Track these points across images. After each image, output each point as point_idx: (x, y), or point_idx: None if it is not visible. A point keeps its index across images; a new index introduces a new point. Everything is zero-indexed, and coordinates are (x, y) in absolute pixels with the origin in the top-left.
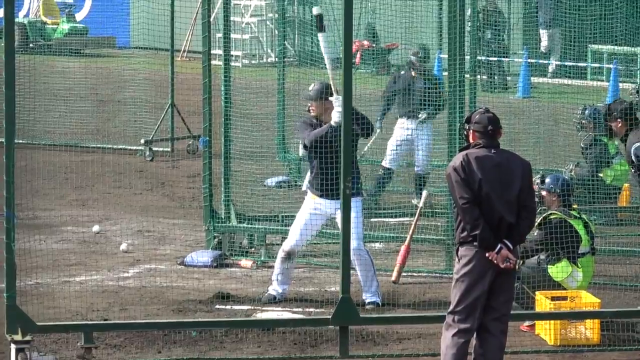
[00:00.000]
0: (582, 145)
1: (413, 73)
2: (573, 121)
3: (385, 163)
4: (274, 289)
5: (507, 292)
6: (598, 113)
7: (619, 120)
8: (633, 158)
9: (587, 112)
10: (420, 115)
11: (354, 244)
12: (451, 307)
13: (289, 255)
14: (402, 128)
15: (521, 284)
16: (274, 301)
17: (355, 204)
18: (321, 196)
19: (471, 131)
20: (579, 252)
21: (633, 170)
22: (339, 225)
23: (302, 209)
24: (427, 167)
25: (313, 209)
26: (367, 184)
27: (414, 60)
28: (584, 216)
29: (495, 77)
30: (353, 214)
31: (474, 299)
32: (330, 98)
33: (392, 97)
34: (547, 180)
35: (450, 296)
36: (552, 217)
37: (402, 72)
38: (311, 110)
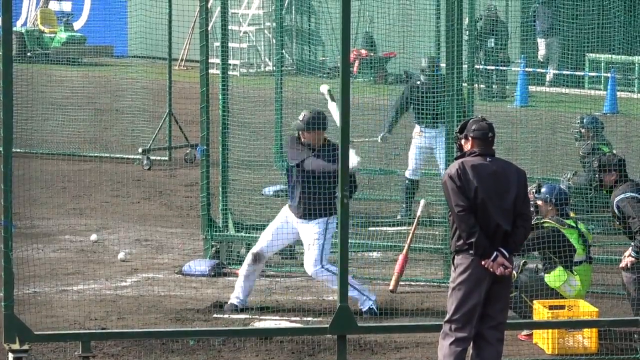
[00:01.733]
0: (581, 154)
1: (422, 78)
2: (571, 130)
3: (408, 174)
4: (237, 296)
5: (504, 300)
6: (596, 121)
7: (613, 172)
8: (616, 210)
9: (585, 120)
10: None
11: (310, 269)
12: (448, 316)
13: (255, 259)
14: (421, 137)
15: (519, 293)
16: (235, 310)
17: (321, 225)
18: (298, 216)
19: (469, 139)
20: (575, 260)
21: (618, 223)
22: (303, 242)
23: (278, 217)
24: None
25: (286, 221)
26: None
27: (424, 66)
28: (580, 226)
29: (494, 86)
30: (316, 236)
31: (471, 307)
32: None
33: (403, 105)
34: (543, 189)
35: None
36: (545, 224)
37: (418, 81)
38: (302, 138)
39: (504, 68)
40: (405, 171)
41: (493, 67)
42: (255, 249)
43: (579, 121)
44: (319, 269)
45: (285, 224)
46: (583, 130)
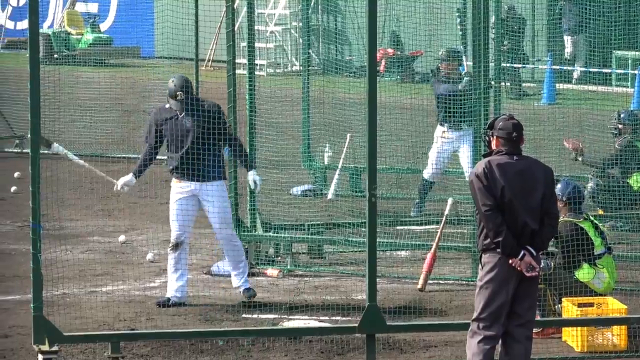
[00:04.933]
0: (617, 147)
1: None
2: (608, 127)
3: (426, 175)
4: (173, 290)
5: (531, 298)
6: (634, 117)
7: None
8: None
9: (622, 116)
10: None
11: (223, 232)
12: (475, 314)
13: (175, 246)
14: (443, 138)
15: (546, 288)
16: (168, 304)
17: (220, 188)
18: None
19: (494, 137)
20: (595, 253)
21: None
22: (207, 211)
23: (170, 200)
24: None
25: (178, 194)
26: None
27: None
28: (593, 219)
29: (522, 85)
30: (216, 200)
31: (499, 305)
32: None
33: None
34: (558, 186)
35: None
36: (560, 221)
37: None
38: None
39: (531, 66)
40: (424, 170)
41: (520, 65)
42: (172, 239)
43: (617, 117)
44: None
45: (182, 199)
46: (620, 126)
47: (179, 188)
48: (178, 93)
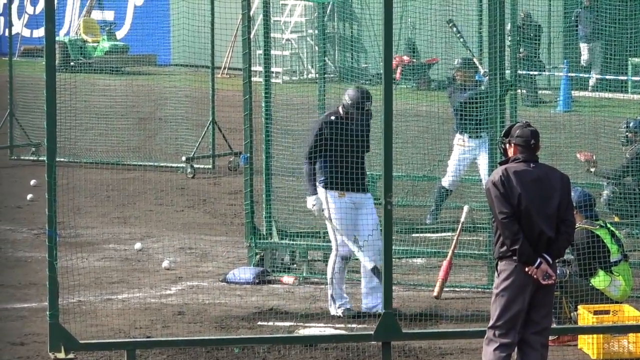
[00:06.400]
0: (628, 156)
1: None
2: (617, 136)
3: (445, 183)
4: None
5: (548, 305)
6: None
7: None
8: None
9: (632, 124)
10: None
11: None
12: (491, 322)
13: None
14: (462, 147)
15: (561, 296)
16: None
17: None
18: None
19: (511, 145)
20: (612, 260)
21: None
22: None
23: (337, 213)
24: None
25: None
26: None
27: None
28: (609, 226)
29: (538, 92)
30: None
31: (515, 313)
32: None
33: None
34: None
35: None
36: (575, 229)
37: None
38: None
39: (547, 73)
40: (442, 178)
41: (536, 73)
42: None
43: (625, 125)
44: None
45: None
46: (630, 135)
47: (344, 202)
48: (367, 104)
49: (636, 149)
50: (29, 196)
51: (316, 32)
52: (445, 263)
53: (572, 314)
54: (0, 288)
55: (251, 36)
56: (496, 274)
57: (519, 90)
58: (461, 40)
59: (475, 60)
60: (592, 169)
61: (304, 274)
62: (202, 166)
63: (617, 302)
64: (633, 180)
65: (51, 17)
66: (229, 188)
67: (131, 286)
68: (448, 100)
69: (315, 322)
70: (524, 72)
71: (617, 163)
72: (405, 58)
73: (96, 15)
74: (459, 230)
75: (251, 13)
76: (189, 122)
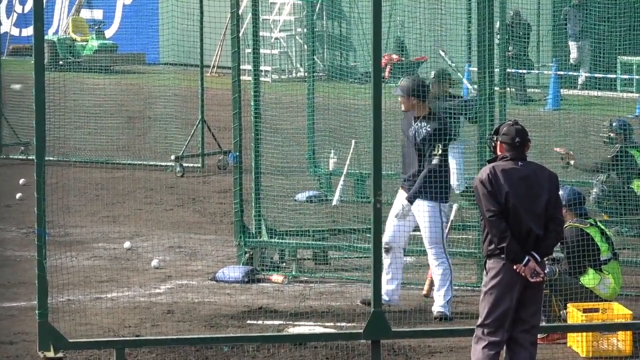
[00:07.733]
0: (609, 157)
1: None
2: (600, 135)
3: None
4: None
5: (536, 303)
6: (626, 125)
7: None
8: None
9: (614, 124)
10: None
11: (430, 250)
12: (480, 320)
13: (386, 250)
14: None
15: (551, 295)
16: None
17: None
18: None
19: (499, 143)
20: (601, 259)
21: None
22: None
23: (395, 203)
24: (462, 185)
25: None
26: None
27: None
28: (600, 224)
29: (527, 90)
30: (426, 218)
31: (503, 311)
32: None
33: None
34: None
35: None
36: (566, 227)
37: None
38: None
39: (536, 72)
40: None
41: (525, 71)
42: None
43: (608, 125)
44: (438, 251)
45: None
46: (612, 134)
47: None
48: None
49: (616, 150)
50: (18, 195)
51: (305, 30)
52: None
53: (561, 312)
54: None
55: (240, 35)
56: (485, 272)
57: (508, 89)
58: (452, 65)
59: (465, 82)
60: (572, 161)
61: (293, 273)
62: (191, 165)
63: (606, 301)
64: (618, 179)
65: (40, 16)
66: (218, 187)
67: (120, 285)
68: None
69: (305, 321)
70: (513, 70)
71: (599, 156)
72: (395, 56)
73: (85, 14)
74: (448, 228)
75: (240, 11)
76: (178, 121)
